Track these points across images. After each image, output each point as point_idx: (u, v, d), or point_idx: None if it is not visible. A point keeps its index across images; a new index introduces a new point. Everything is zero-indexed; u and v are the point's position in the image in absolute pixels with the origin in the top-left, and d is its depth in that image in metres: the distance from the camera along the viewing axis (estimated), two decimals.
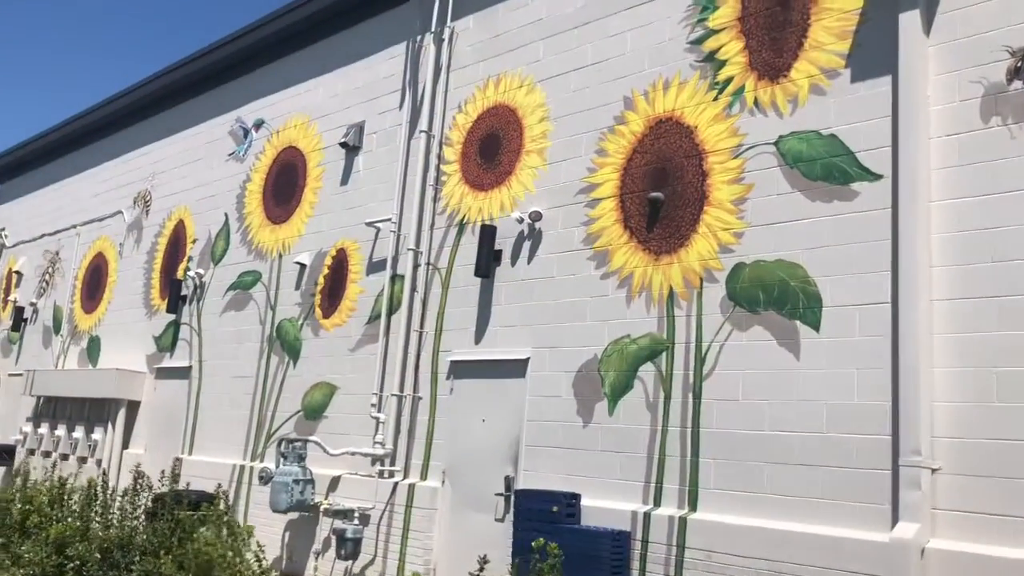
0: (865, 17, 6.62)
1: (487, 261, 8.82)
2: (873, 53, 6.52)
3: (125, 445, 13.82)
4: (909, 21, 6.24)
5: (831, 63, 6.77)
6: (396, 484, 9.23)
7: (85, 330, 15.87)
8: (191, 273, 13.26)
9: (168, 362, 13.42)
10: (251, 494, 11.00)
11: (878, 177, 6.32)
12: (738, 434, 6.72)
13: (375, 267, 10.33)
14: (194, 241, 13.57)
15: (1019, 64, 5.75)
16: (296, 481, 9.71)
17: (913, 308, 5.87)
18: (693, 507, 6.88)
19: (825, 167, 6.63)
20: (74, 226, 17.10)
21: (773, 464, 6.50)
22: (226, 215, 13.02)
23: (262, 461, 11.16)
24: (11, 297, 18.78)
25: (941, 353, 5.81)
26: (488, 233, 8.87)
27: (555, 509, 7.28)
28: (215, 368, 12.41)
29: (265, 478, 9.99)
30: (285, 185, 12.05)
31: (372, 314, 10.19)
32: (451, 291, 9.35)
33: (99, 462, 13.87)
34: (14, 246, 19.47)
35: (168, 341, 13.52)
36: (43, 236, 18.23)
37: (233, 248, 12.71)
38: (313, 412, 10.63)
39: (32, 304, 17.78)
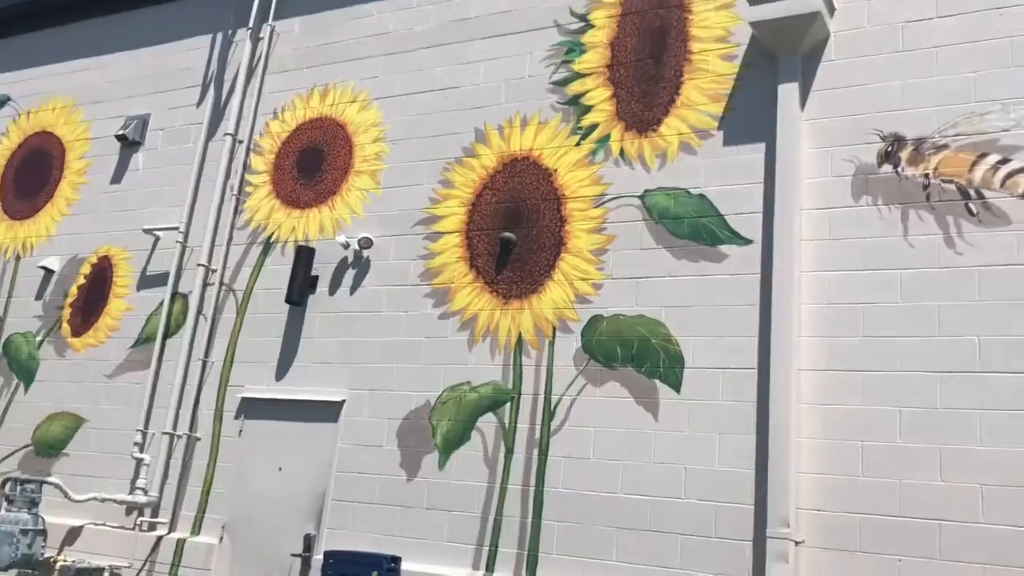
0: (740, 83, 6.70)
1: (301, 287, 7.83)
2: (747, 119, 6.58)
3: None
4: (787, 93, 6.37)
5: (703, 123, 6.75)
6: (160, 539, 7.79)
7: None
8: None
9: None
10: None
11: (748, 242, 6.32)
12: (588, 495, 6.32)
13: (150, 281, 8.88)
14: None
15: (889, 148, 6.02)
16: (24, 531, 7.89)
17: (784, 376, 5.85)
18: (532, 573, 6.34)
19: (693, 226, 6.54)
20: None
21: (624, 529, 6.15)
22: None
23: None
24: None
25: (807, 423, 5.81)
26: (305, 255, 7.90)
27: (375, 574, 6.41)
28: None
29: None
30: (33, 175, 10.16)
31: (142, 336, 8.71)
32: (249, 317, 8.20)
33: None
34: None
35: None
36: None
37: None
38: (48, 448, 8.82)
39: None
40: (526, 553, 6.41)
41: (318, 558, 7.00)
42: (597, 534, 6.21)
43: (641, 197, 6.79)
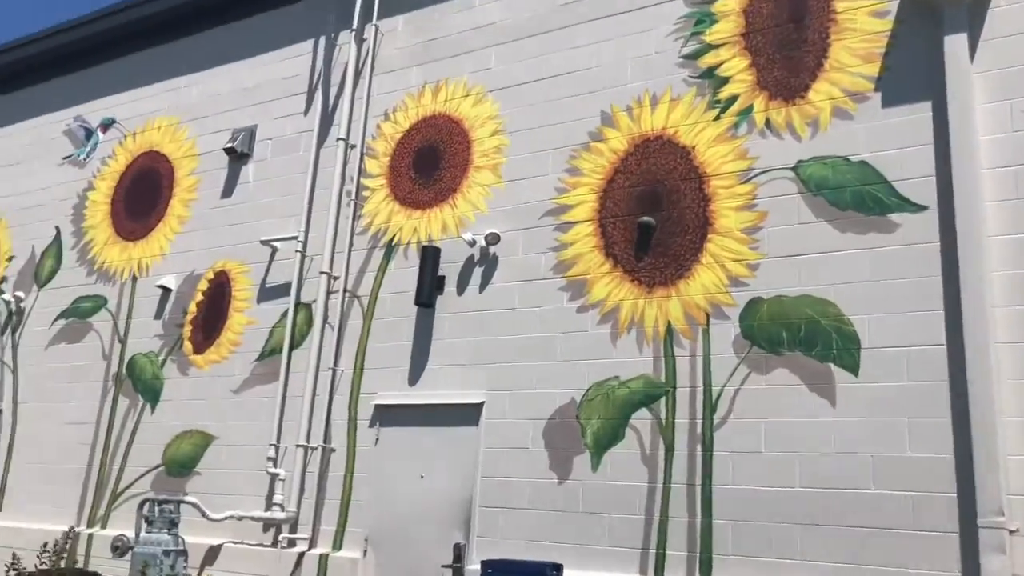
0: (895, 41, 6.20)
1: (429, 288, 7.58)
2: (907, 77, 6.08)
3: None
4: (955, 46, 5.86)
5: (857, 86, 6.27)
6: (302, 555, 7.61)
7: None
8: (6, 297, 10.86)
9: None
10: (91, 568, 8.85)
11: (921, 208, 5.83)
12: (762, 491, 5.90)
13: (270, 293, 8.75)
14: (10, 259, 11.18)
15: None
16: (167, 552, 7.78)
17: (980, 351, 5.34)
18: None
19: (856, 195, 6.07)
20: None
21: (807, 526, 5.71)
22: (58, 229, 10.82)
23: (104, 527, 9.06)
24: None
25: (1010, 401, 5.29)
26: (431, 256, 7.64)
27: None
28: (37, 412, 10.11)
29: (121, 549, 8.03)
30: (143, 196, 10.15)
31: (266, 349, 8.57)
32: (376, 323, 7.99)
33: None
34: None
35: None
36: None
37: (67, 268, 10.53)
38: (179, 467, 8.74)
39: None
40: (698, 555, 6.01)
41: (472, 568, 6.73)
42: (776, 532, 5.78)
43: (794, 168, 6.34)
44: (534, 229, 7.34)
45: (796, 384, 5.96)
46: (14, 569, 7.21)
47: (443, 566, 6.93)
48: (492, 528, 6.84)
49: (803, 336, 6.01)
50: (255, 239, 8.96)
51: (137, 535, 7.97)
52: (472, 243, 7.51)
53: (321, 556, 7.50)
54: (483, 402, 7.15)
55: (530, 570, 6.17)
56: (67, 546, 7.67)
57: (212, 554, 8.12)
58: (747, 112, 6.65)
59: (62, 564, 6.88)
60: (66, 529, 9.13)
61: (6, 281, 11.08)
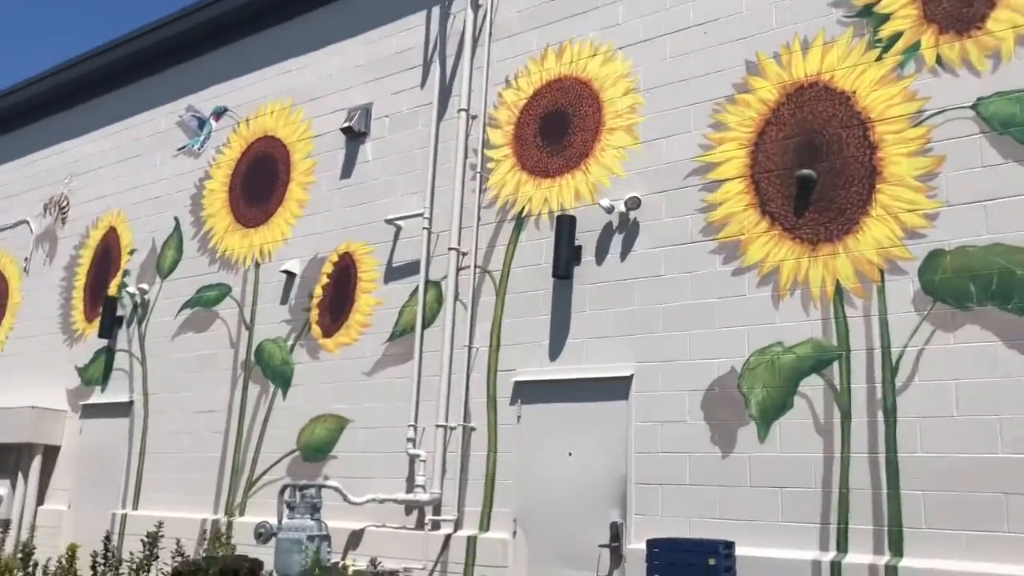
0: None
1: (567, 259, 7.26)
2: None
3: (40, 501, 11.26)
4: None
5: None
6: (448, 537, 7.43)
7: None
8: (130, 290, 11.00)
9: (99, 397, 11.04)
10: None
11: None
12: (957, 459, 5.41)
13: (397, 273, 8.57)
14: (132, 252, 11.31)
15: None
16: (311, 537, 7.70)
17: None
18: (898, 552, 5.49)
19: None
20: None
21: (1011, 495, 5.21)
22: (177, 220, 10.88)
23: (242, 514, 9.07)
24: None
25: None
26: (567, 225, 7.32)
27: (712, 562, 5.74)
28: (167, 403, 10.20)
29: (265, 535, 7.94)
30: (261, 181, 10.10)
31: (397, 329, 8.40)
32: (510, 297, 7.72)
33: (4, 524, 11.24)
34: None
35: (98, 372, 11.15)
36: None
37: (188, 258, 10.58)
38: (315, 452, 8.67)
39: None
40: (886, 529, 5.57)
41: (632, 547, 6.43)
42: (978, 502, 5.30)
43: (974, 107, 5.79)
44: (678, 190, 6.94)
45: (991, 341, 5.44)
46: (180, 555, 7.21)
47: (600, 545, 6.64)
48: (650, 506, 6.51)
49: (995, 289, 5.48)
50: (378, 219, 8.79)
51: (280, 521, 7.93)
52: (610, 209, 7.16)
53: (469, 538, 7.31)
54: (632, 375, 6.81)
55: (701, 548, 5.82)
56: (226, 532, 7.63)
57: (355, 538, 8.02)
58: (914, 49, 6.11)
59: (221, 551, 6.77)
60: (205, 517, 9.20)
61: (129, 274, 11.21)
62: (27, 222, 13.12)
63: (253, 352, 9.53)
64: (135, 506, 10.13)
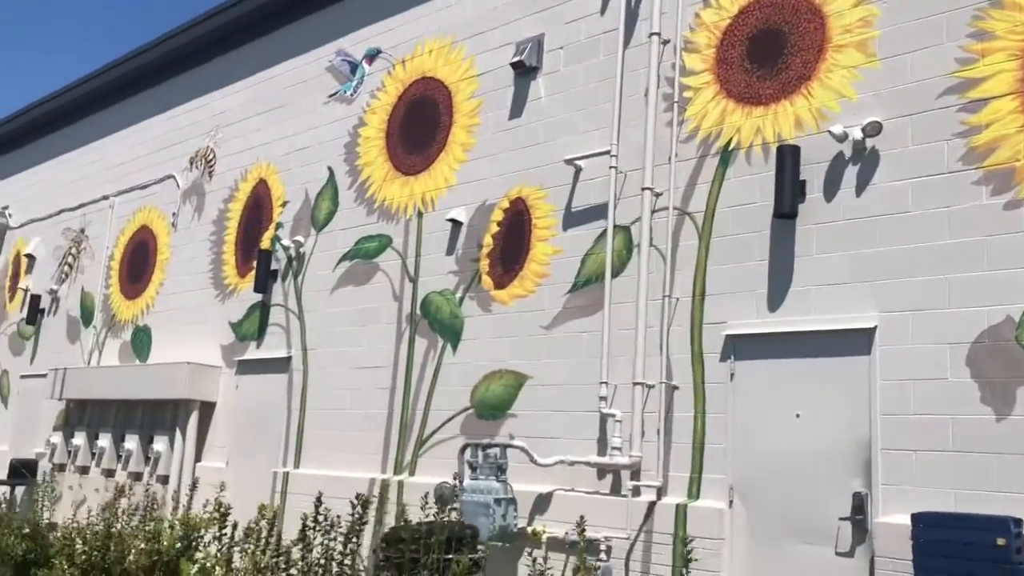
0: None
1: (792, 195, 6.41)
2: None
3: (197, 457, 11.16)
4: None
5: None
6: (653, 505, 6.77)
7: (127, 320, 13.15)
8: (284, 243, 10.65)
9: (254, 353, 10.80)
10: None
11: None
12: None
13: (578, 218, 7.87)
14: (283, 204, 10.96)
15: None
16: (498, 500, 7.21)
17: None
18: None
19: None
20: (105, 197, 14.36)
21: None
22: (330, 170, 10.44)
23: (412, 474, 8.63)
24: (22, 285, 15.95)
25: None
26: (790, 156, 6.45)
27: (1002, 542, 4.89)
28: (327, 358, 9.83)
29: (445, 497, 7.47)
30: (420, 126, 9.53)
31: (579, 279, 7.73)
32: (716, 241, 6.93)
33: (164, 479, 11.19)
34: (22, 226, 16.63)
35: (252, 328, 10.90)
36: (62, 212, 15.44)
37: (344, 209, 10.14)
38: (491, 409, 8.12)
39: (51, 292, 14.98)
40: None
41: (880, 521, 5.64)
42: None
43: None
44: (929, 112, 5.99)
45: None
46: (404, 519, 6.77)
47: (841, 518, 5.86)
48: (902, 475, 5.68)
49: None
50: (554, 160, 8.10)
51: (460, 482, 7.44)
52: (842, 137, 6.26)
53: (678, 506, 6.62)
54: (875, 326, 5.95)
55: (985, 525, 4.99)
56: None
57: (541, 503, 7.45)
58: None
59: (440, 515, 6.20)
60: (373, 476, 8.81)
61: (282, 227, 10.88)
62: (173, 177, 12.97)
63: (418, 305, 9.03)
64: (296, 464, 9.84)
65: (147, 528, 6.38)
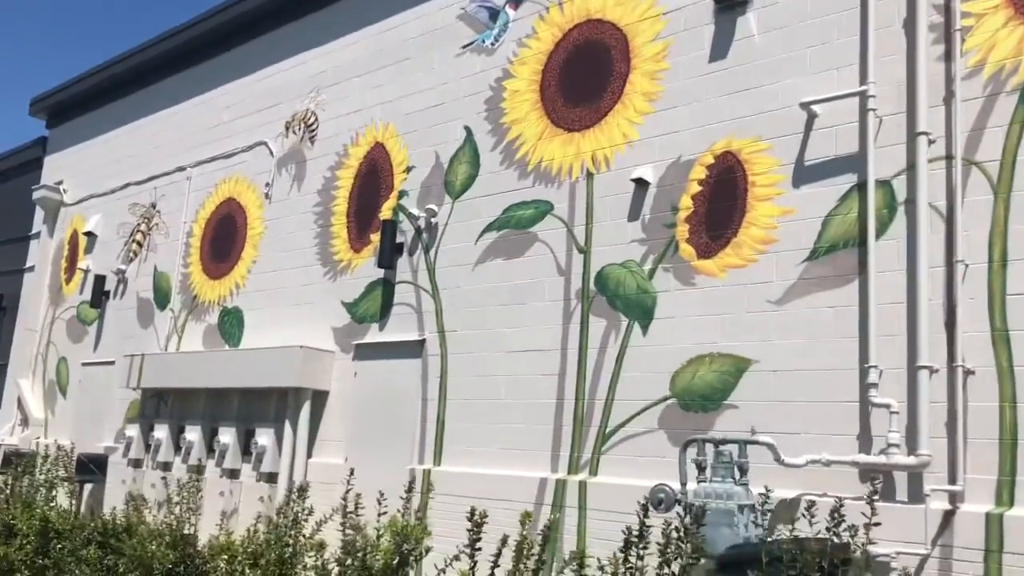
0: None
1: None
2: None
3: (309, 453, 9.96)
4: None
5: None
6: (950, 514, 5.57)
7: (212, 301, 11.95)
8: (413, 212, 9.45)
9: (376, 336, 9.60)
10: (586, 525, 7.28)
11: None
12: None
13: (813, 172, 6.67)
14: (408, 170, 9.75)
15: None
16: (741, 507, 6.02)
17: None
18: None
19: None
20: (181, 168, 13.16)
21: None
22: (467, 129, 9.23)
23: (594, 473, 7.44)
24: (82, 265, 14.74)
25: None
26: None
27: None
28: (473, 341, 8.63)
29: (666, 502, 6.28)
30: (586, 75, 8.32)
31: (820, 245, 6.53)
32: (1017, 196, 5.73)
33: (269, 476, 9.99)
34: (79, 202, 15.42)
35: (373, 308, 9.70)
36: (127, 186, 14.24)
37: (488, 173, 8.93)
38: (702, 400, 6.93)
39: (118, 272, 13.77)
40: None
41: None
42: None
43: None
44: None
45: None
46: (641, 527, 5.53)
47: None
48: None
49: None
50: (776, 106, 6.91)
51: (683, 484, 6.26)
52: None
53: (988, 516, 5.42)
54: None
55: None
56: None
57: (783, 510, 6.24)
58: None
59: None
60: (543, 476, 7.62)
61: (407, 196, 9.67)
62: (265, 144, 11.77)
63: (592, 279, 7.83)
64: (437, 461, 8.64)
65: (351, 538, 5.14)
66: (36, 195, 15.97)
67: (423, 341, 9.05)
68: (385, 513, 5.58)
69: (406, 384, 9.10)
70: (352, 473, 6.27)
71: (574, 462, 7.60)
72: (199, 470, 10.96)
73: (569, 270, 8.02)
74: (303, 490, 6.32)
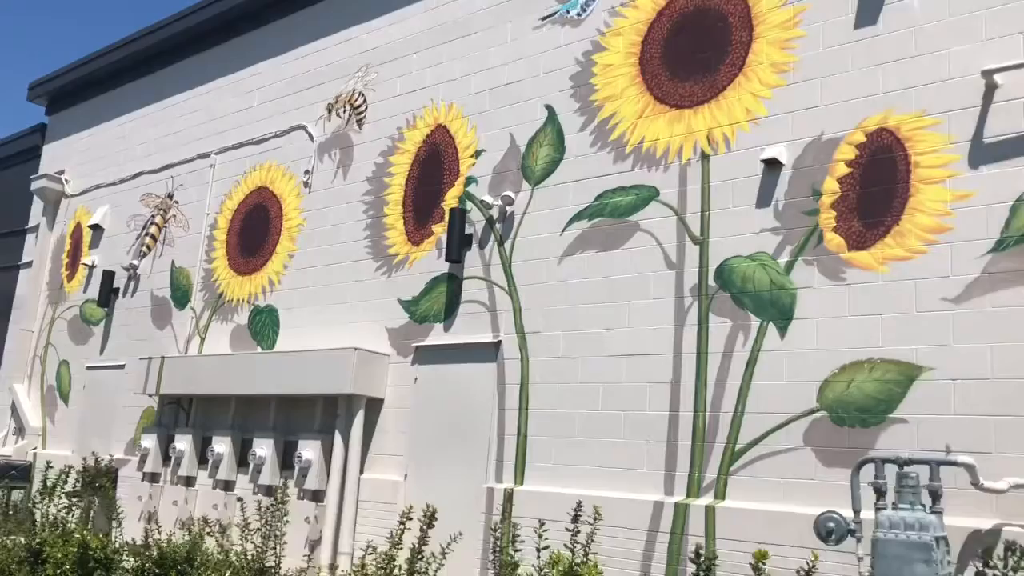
0: None
1: None
2: None
3: (361, 469, 8.89)
4: None
5: None
6: None
7: (241, 299, 10.86)
8: (486, 199, 8.46)
9: (441, 337, 8.57)
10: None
11: None
12: None
13: (996, 151, 5.78)
14: (476, 154, 8.77)
15: None
16: (937, 540, 5.06)
17: None
18: None
19: None
20: (203, 155, 12.08)
21: None
22: (549, 108, 8.27)
23: (721, 497, 6.46)
24: (86, 260, 13.57)
25: None
26: None
27: None
28: (561, 344, 7.64)
29: (836, 533, 5.31)
30: (696, 46, 7.40)
31: (1008, 235, 5.63)
32: None
33: (314, 494, 8.90)
34: (84, 193, 14.27)
35: (437, 306, 8.68)
36: (139, 175, 13.12)
37: (575, 156, 7.97)
38: (860, 413, 5.98)
39: (129, 268, 12.63)
40: None
41: None
42: None
43: None
44: None
45: None
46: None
47: None
48: None
49: None
50: (945, 76, 6.02)
51: (856, 512, 5.31)
52: None
53: None
54: None
55: None
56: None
57: (973, 542, 5.31)
58: None
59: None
60: (657, 499, 6.64)
61: (475, 182, 8.69)
62: (304, 128, 10.73)
63: (712, 274, 6.88)
64: (519, 479, 7.63)
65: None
66: (35, 185, 14.80)
67: (498, 343, 8.05)
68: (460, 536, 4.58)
69: (478, 392, 8.09)
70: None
71: (694, 483, 6.63)
72: (227, 486, 9.87)
73: (681, 263, 7.07)
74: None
